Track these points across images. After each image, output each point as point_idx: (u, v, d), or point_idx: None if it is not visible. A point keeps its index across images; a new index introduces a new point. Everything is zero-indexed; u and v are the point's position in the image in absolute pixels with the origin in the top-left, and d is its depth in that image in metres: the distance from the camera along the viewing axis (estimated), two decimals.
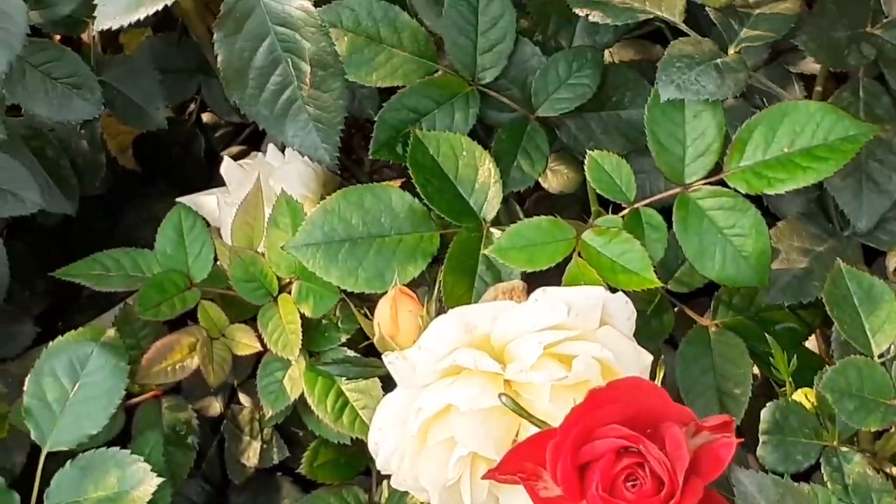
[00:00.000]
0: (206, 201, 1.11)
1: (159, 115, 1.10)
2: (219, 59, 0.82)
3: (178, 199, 1.13)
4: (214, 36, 0.81)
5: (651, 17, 0.90)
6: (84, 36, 1.13)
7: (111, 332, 0.94)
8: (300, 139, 0.85)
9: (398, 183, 0.95)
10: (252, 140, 1.26)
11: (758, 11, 0.91)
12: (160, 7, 0.78)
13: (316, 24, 0.81)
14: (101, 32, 1.12)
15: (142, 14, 0.78)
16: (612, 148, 0.96)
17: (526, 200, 1.10)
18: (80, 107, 1.00)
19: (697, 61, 0.87)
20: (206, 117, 1.29)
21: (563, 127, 0.98)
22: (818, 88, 0.97)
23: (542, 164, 0.96)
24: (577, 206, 1.09)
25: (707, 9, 0.91)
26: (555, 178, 1.05)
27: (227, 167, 1.10)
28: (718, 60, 0.87)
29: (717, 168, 0.88)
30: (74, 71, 1.00)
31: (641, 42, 1.08)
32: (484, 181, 0.91)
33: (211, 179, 1.24)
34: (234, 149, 1.28)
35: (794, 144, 0.85)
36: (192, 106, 1.29)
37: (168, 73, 1.16)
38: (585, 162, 0.89)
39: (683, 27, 0.90)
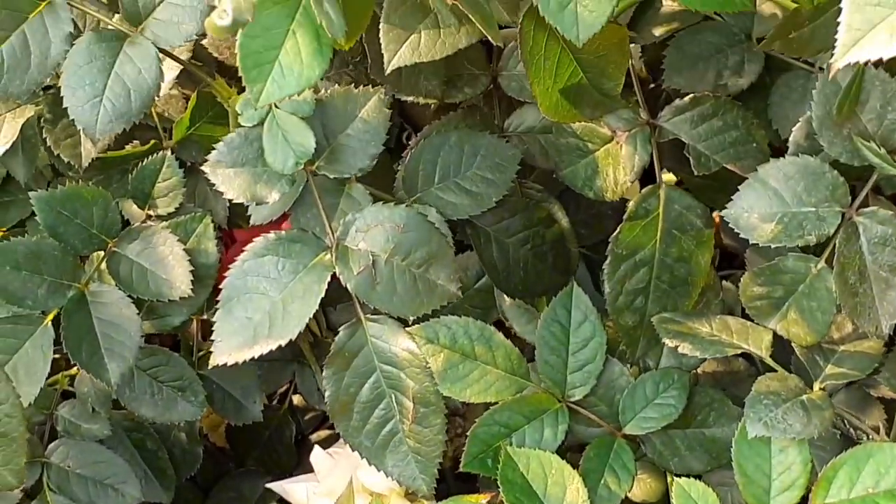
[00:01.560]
0: (295, 489, 1.14)
1: (256, 408, 1.14)
2: (326, 393, 0.86)
3: (267, 485, 1.16)
4: (324, 372, 0.86)
5: (738, 351, 0.93)
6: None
7: None
8: (399, 469, 0.88)
9: (488, 497, 0.97)
10: None
11: (842, 348, 0.94)
12: (273, 347, 0.82)
13: (420, 364, 0.85)
14: (202, 324, 1.18)
15: (256, 352, 0.83)
16: (696, 464, 1.00)
17: None
18: (183, 409, 1.05)
19: (784, 398, 0.89)
20: (296, 399, 1.33)
21: (648, 442, 1.01)
22: None
23: (629, 482, 0.98)
24: None
25: (793, 344, 0.94)
26: (638, 487, 1.07)
27: (317, 456, 1.13)
28: (804, 397, 0.90)
29: (803, 501, 0.89)
30: (180, 375, 1.05)
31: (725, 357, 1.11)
32: (572, 500, 0.93)
33: (300, 463, 1.28)
34: (324, 433, 1.32)
35: (879, 486, 0.87)
36: (285, 386, 1.33)
37: (265, 363, 1.20)
38: (673, 489, 0.91)
39: (770, 362, 0.93)
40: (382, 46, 0.87)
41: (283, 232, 0.86)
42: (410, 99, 1.02)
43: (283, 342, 0.83)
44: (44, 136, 1.01)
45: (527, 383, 0.99)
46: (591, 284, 1.21)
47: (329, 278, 0.84)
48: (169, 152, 1.01)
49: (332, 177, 0.88)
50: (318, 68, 0.69)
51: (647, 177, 1.04)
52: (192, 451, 1.16)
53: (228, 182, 0.87)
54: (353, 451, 0.89)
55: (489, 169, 0.99)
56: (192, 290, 0.96)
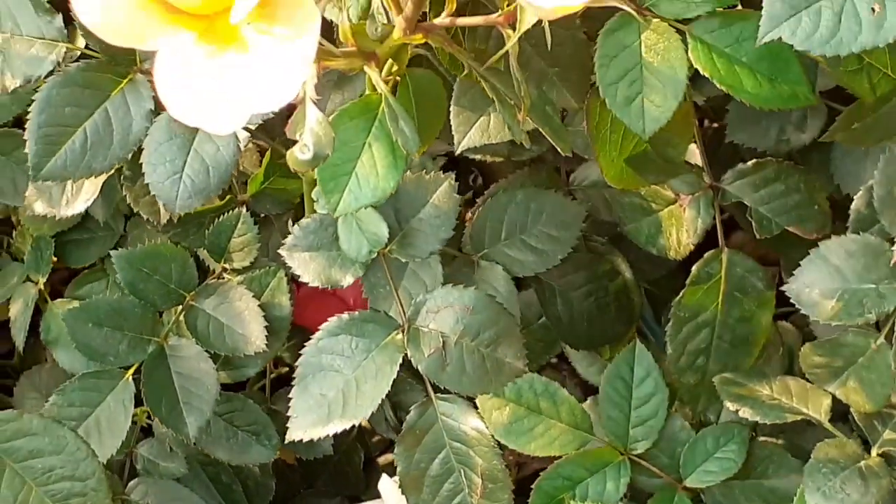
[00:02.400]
0: None
1: (326, 442, 1.17)
2: (398, 469, 0.89)
3: None
4: (395, 449, 0.89)
5: (799, 417, 0.95)
6: None
7: None
8: None
9: None
10: None
11: None
12: (347, 426, 0.85)
13: (489, 443, 0.88)
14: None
15: (330, 430, 0.86)
16: None
17: None
18: (258, 452, 1.08)
19: (842, 466, 0.91)
20: (364, 422, 1.36)
21: (708, 493, 1.03)
22: None
23: None
24: None
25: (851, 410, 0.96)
26: None
27: (385, 485, 1.17)
28: (862, 464, 0.92)
29: None
30: (254, 419, 1.08)
31: None
32: None
33: (368, 485, 1.31)
34: (391, 456, 1.34)
35: None
36: None
37: None
38: None
39: (829, 427, 0.95)
40: (453, 128, 0.89)
41: (357, 312, 0.88)
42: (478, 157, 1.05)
43: (356, 421, 0.86)
44: (123, 192, 1.04)
45: (590, 437, 1.02)
46: (652, 320, 1.23)
47: (401, 359, 0.87)
48: (244, 208, 1.04)
49: (403, 260, 0.90)
50: (392, 180, 0.71)
51: None
52: (264, 484, 1.19)
53: (304, 265, 0.90)
54: None
55: (554, 226, 1.01)
56: (266, 344, 1.00)
